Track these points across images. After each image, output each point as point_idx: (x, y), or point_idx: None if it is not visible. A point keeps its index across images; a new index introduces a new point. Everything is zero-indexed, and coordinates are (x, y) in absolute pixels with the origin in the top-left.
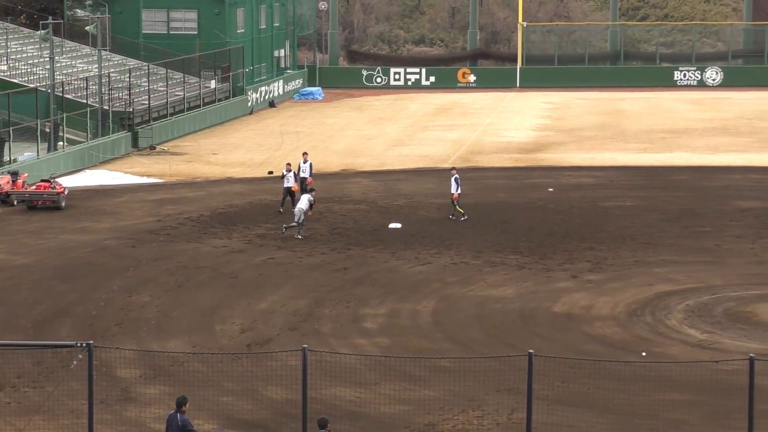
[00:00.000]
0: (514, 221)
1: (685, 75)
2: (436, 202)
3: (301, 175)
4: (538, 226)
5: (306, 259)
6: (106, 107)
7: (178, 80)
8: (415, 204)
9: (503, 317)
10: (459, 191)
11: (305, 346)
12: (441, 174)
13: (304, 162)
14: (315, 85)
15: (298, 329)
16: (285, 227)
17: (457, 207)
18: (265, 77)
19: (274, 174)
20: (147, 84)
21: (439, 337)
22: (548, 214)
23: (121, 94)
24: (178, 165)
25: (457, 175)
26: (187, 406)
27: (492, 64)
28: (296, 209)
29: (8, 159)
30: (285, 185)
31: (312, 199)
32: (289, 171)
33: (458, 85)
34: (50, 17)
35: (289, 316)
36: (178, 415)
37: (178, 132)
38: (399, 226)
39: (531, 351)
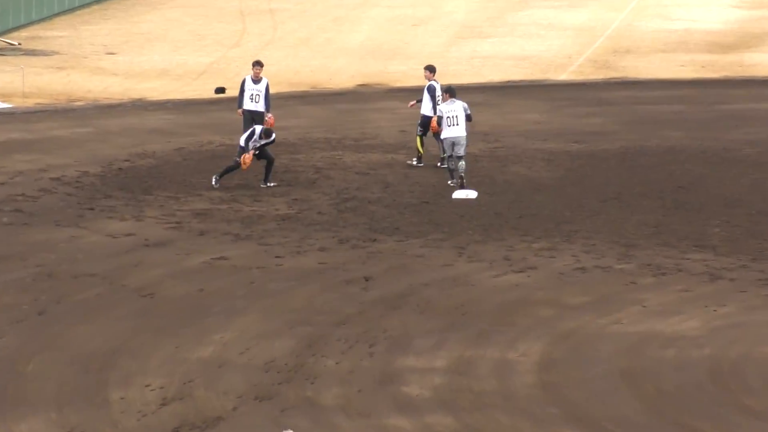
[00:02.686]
0: (698, 187)
1: None
2: (544, 147)
3: (250, 106)
4: (746, 195)
5: (290, 260)
6: None
7: None
8: (503, 152)
9: (680, 377)
10: (439, 113)
11: None
12: (554, 92)
13: (255, 80)
14: None
15: (272, 398)
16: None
17: (418, 142)
18: None
19: (228, 94)
20: None
21: (554, 415)
22: (765, 172)
23: None
24: (40, 74)
25: (434, 81)
26: None
27: None
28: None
29: None
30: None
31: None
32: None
33: None
34: None
35: (255, 372)
36: None
37: (37, 12)
38: (473, 194)
39: None
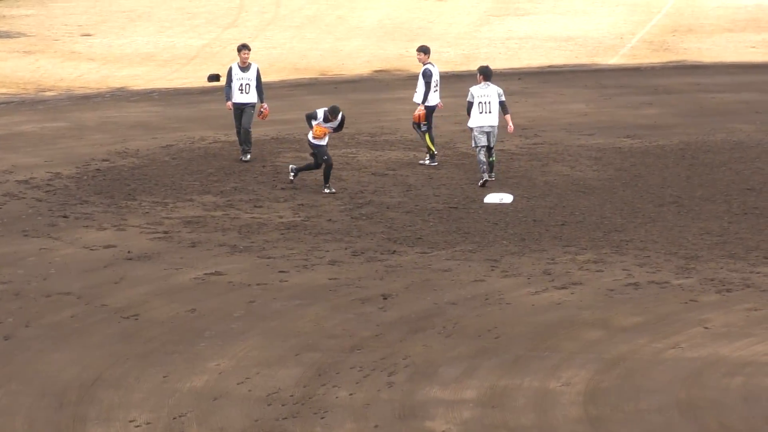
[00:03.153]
0: None
1: None
2: (591, 143)
3: (240, 98)
4: None
5: (295, 276)
6: None
7: None
8: (543, 149)
9: (748, 409)
10: (433, 102)
11: None
12: (603, 78)
13: (242, 68)
14: None
15: None
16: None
17: (427, 139)
18: None
19: (223, 82)
20: None
21: None
22: None
23: None
24: (3, 60)
25: (429, 66)
26: None
27: None
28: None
29: None
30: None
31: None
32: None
33: None
34: None
35: (256, 405)
36: None
37: None
38: (508, 199)
39: None
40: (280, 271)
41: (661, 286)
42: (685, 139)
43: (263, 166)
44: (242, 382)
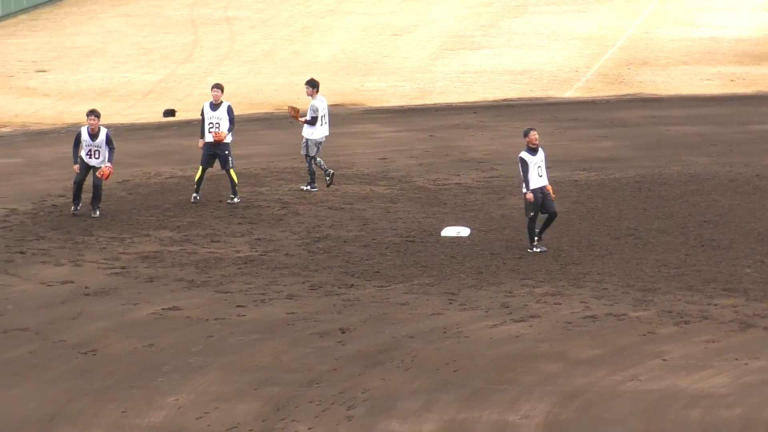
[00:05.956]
0: (727, 221)
1: None
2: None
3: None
4: None
5: (253, 310)
6: None
7: None
8: (499, 182)
9: None
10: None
11: None
12: (558, 111)
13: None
14: None
15: None
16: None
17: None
18: None
19: (178, 117)
20: None
21: None
22: None
23: None
24: None
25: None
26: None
27: None
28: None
29: None
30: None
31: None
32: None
33: None
34: None
35: None
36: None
37: None
38: (465, 232)
39: None
40: (238, 306)
41: (618, 319)
42: (641, 171)
43: (219, 201)
44: (201, 417)
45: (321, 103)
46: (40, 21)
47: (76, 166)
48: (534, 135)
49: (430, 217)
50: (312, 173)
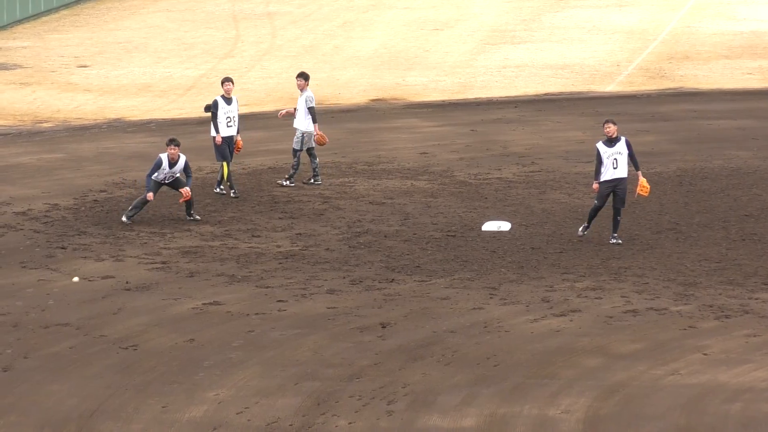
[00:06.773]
0: None
1: None
2: (588, 170)
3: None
4: None
5: (294, 305)
6: None
7: None
8: (540, 177)
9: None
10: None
11: None
12: (599, 106)
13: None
14: None
15: None
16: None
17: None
18: None
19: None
20: None
21: None
22: None
23: None
24: (1, 91)
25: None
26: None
27: None
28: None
29: None
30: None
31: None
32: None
33: None
34: None
35: None
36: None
37: None
38: (506, 227)
39: None
40: (279, 301)
41: (659, 313)
42: (683, 165)
43: (260, 196)
44: (241, 412)
45: (305, 97)
46: (82, 16)
47: (150, 194)
48: (608, 127)
49: (471, 212)
50: (296, 168)
